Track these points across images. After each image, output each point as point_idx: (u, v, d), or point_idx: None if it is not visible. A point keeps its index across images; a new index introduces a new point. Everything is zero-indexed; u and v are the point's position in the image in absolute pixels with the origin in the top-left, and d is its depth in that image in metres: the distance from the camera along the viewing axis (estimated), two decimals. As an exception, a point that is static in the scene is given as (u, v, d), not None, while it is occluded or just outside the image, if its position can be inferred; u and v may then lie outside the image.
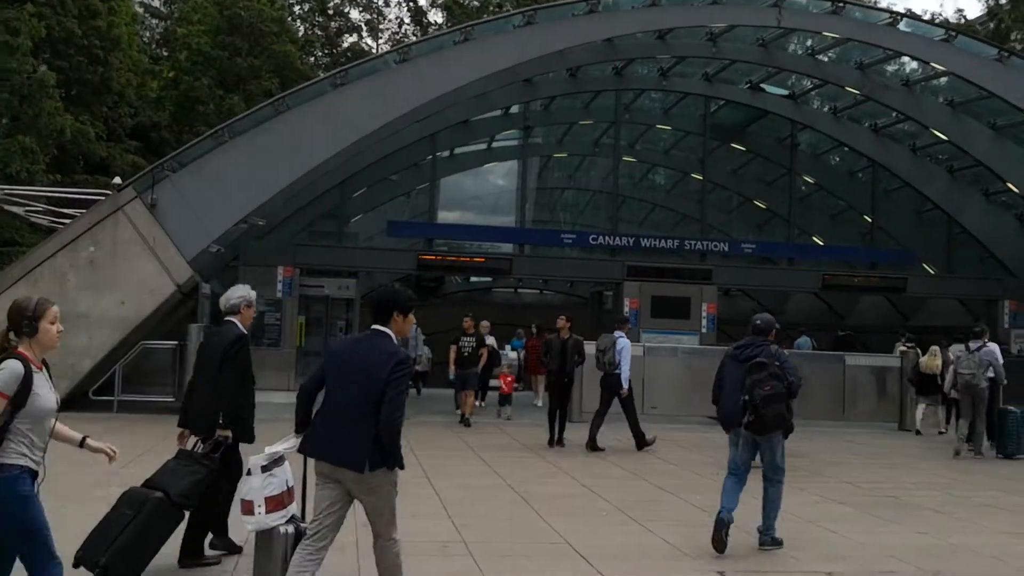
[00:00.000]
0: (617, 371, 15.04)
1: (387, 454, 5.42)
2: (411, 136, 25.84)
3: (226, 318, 7.49)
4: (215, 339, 7.49)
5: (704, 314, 26.40)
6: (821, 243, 32.32)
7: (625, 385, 15.11)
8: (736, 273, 28.61)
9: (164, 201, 19.05)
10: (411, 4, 51.75)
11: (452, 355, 19.14)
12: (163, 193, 19.10)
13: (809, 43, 25.97)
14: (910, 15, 23.28)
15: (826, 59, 26.32)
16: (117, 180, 19.69)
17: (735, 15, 23.26)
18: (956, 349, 17.42)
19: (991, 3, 43.41)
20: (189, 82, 40.49)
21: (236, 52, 41.31)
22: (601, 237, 28.06)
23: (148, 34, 51.86)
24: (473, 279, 36.92)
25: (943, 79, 25.71)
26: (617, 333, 15.45)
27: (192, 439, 7.40)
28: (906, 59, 25.79)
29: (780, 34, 24.45)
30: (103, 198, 19.32)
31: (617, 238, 27.73)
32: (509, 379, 20.61)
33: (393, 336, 5.70)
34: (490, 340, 20.85)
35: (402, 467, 5.58)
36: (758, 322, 8.78)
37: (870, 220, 31.00)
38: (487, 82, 22.40)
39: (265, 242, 25.07)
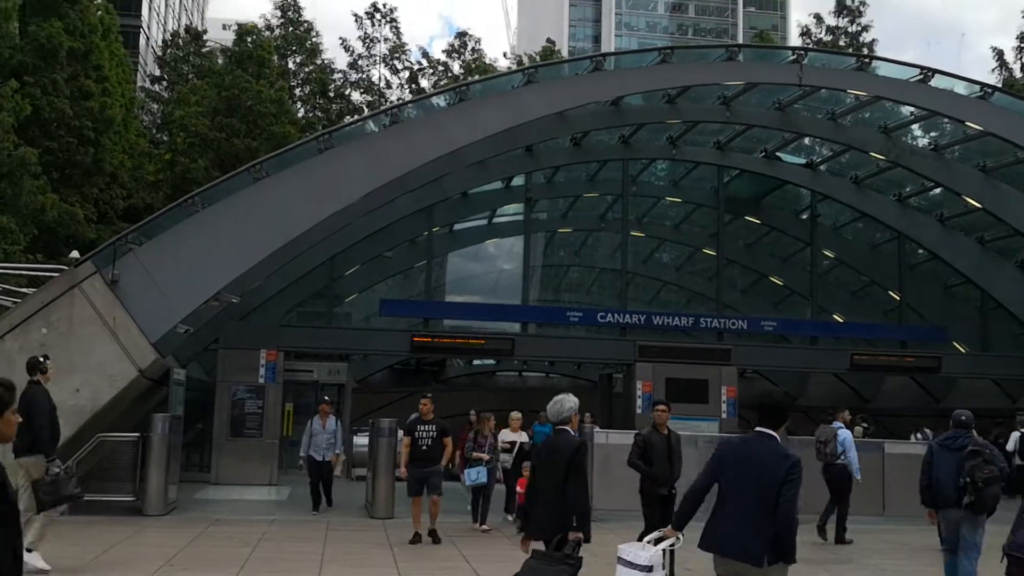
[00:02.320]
0: (840, 461, 15.27)
1: (784, 549, 6.06)
2: (406, 209, 24.24)
3: (558, 427, 7.95)
4: (557, 447, 7.84)
5: (724, 398, 24.33)
6: (841, 320, 30.37)
7: (858, 475, 15.38)
8: (756, 353, 26.61)
9: (127, 277, 17.21)
10: (413, 85, 50.88)
11: (404, 450, 14.23)
12: (126, 268, 17.28)
13: (830, 107, 24.36)
14: (942, 71, 21.59)
15: (848, 122, 24.68)
16: (75, 254, 17.93)
17: (752, 72, 21.71)
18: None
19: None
20: (185, 164, 39.78)
21: (234, 133, 40.66)
22: (610, 315, 26.11)
23: (148, 118, 51.23)
24: (476, 362, 35.00)
25: (974, 142, 23.97)
26: (836, 424, 15.78)
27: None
28: (934, 122, 24.14)
29: (799, 95, 22.86)
30: (58, 274, 17.52)
31: (627, 316, 25.80)
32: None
33: (779, 438, 6.32)
34: (522, 436, 16.79)
35: (795, 561, 6.15)
36: (963, 417, 9.96)
37: (895, 296, 29.09)
38: (485, 148, 20.77)
39: (247, 323, 23.25)
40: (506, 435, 16.60)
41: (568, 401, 8.11)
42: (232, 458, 22.13)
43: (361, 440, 22.53)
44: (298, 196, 18.47)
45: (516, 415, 16.87)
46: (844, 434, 15.43)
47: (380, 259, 27.35)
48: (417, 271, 27.59)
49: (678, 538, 6.67)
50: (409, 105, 22.22)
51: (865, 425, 22.82)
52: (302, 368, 25.08)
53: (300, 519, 16.42)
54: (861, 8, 50.61)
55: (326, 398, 17.88)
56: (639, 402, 24.01)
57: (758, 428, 6.43)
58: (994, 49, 44.69)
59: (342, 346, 25.23)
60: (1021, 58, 44.33)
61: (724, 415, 24.16)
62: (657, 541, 6.78)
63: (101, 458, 17.82)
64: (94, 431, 17.31)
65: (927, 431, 25.77)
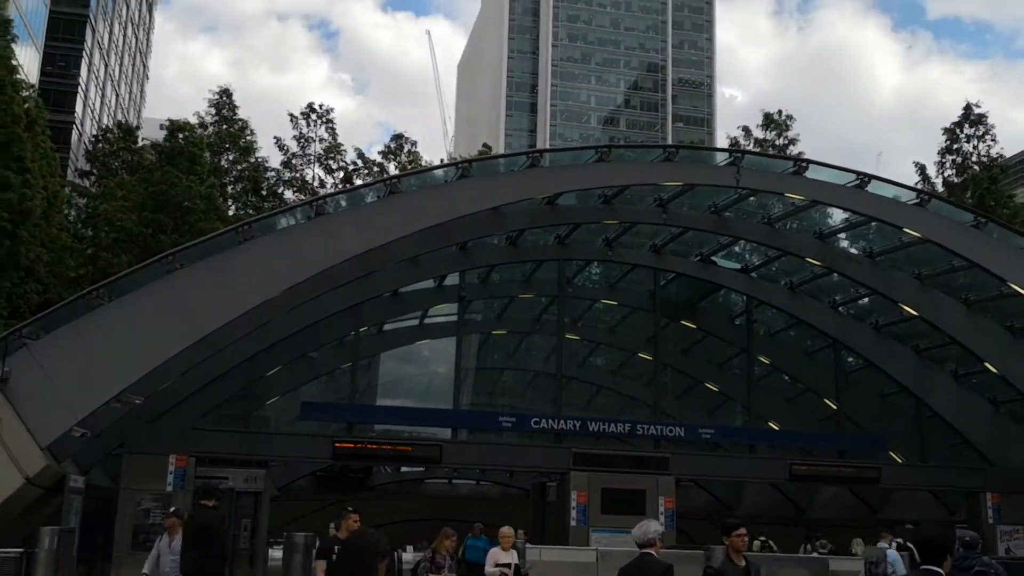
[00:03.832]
0: None
1: None
2: (333, 307, 23.23)
3: (643, 550, 7.74)
4: (643, 573, 7.61)
5: (662, 508, 23.28)
6: (776, 428, 29.80)
7: None
8: (695, 462, 25.73)
9: (19, 374, 15.83)
10: (347, 185, 50.34)
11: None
12: (19, 365, 15.90)
13: (766, 212, 24.22)
14: (879, 177, 21.55)
15: (784, 227, 24.52)
16: (-38, 348, 16.49)
17: (690, 173, 21.42)
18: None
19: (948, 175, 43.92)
20: (108, 259, 38.29)
21: (160, 229, 39.53)
22: (544, 421, 25.08)
23: (73, 212, 49.75)
24: (404, 468, 33.50)
25: (910, 249, 23.91)
26: (882, 544, 16.38)
27: None
28: (870, 228, 24.09)
29: (736, 199, 22.65)
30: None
31: (561, 422, 24.85)
32: None
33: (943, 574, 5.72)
34: (509, 556, 13.73)
35: None
36: (967, 538, 10.15)
37: (832, 404, 28.66)
38: (416, 243, 19.98)
39: (156, 425, 21.75)
40: (499, 556, 13.77)
41: (653, 524, 7.97)
42: (134, 574, 20.29)
43: (277, 554, 20.96)
44: (214, 290, 17.40)
45: (507, 531, 13.94)
46: (892, 555, 16.13)
47: (304, 359, 26.09)
48: (343, 373, 26.37)
49: None
50: (337, 197, 21.31)
51: (763, 539, 23.59)
52: (216, 475, 23.40)
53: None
54: (788, 122, 51.82)
55: (173, 509, 15.41)
56: (574, 513, 22.86)
57: (924, 567, 5.80)
58: (916, 164, 46.00)
59: (260, 452, 23.66)
60: (943, 173, 45.56)
61: (662, 527, 23.03)
62: None
63: (-21, 576, 16.10)
64: (-28, 545, 15.63)
65: (823, 541, 25.27)
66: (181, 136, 43.35)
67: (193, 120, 49.08)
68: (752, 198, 23.86)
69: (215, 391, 23.67)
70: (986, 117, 44.94)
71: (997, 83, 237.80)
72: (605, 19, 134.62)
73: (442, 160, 38.33)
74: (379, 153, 52.73)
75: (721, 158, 21.66)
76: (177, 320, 16.86)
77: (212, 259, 17.60)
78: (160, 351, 16.75)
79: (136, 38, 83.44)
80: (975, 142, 44.84)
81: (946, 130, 45.49)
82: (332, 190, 48.55)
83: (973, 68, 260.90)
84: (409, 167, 48.22)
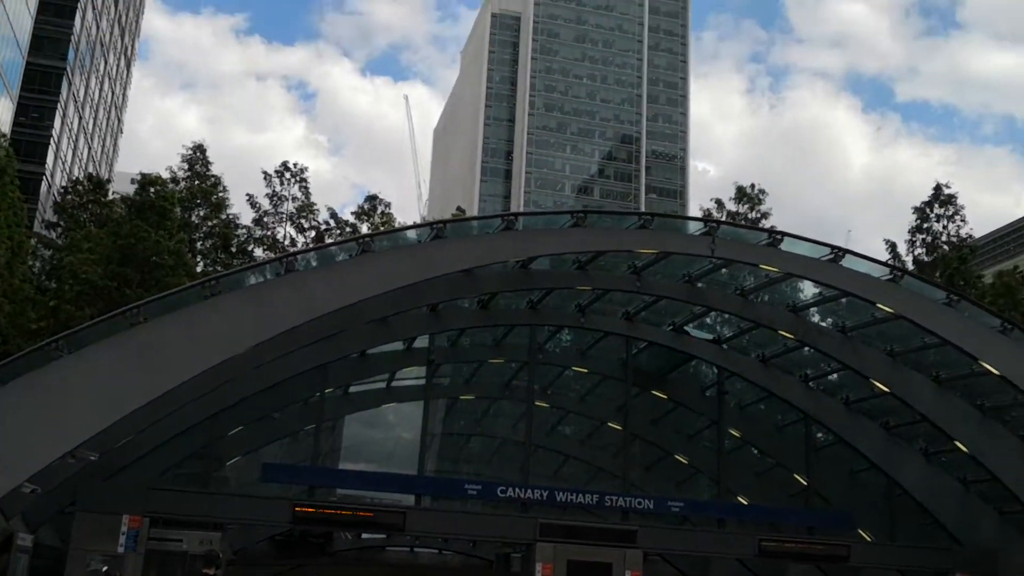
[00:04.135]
0: None
1: None
2: (299, 366, 22.81)
3: None
4: None
5: (630, 583, 22.76)
6: (746, 502, 29.39)
7: None
8: (663, 535, 25.38)
9: (-31, 426, 15.20)
10: (319, 243, 50.03)
11: None
12: (-31, 416, 15.29)
13: (740, 283, 24.18)
14: (854, 252, 21.60)
15: (757, 299, 24.47)
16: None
17: (666, 242, 21.36)
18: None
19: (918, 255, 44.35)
20: (71, 311, 37.45)
21: (126, 283, 38.83)
22: (511, 489, 24.71)
23: (38, 264, 48.96)
24: (365, 535, 32.67)
25: (883, 325, 23.88)
26: None
27: None
28: (842, 303, 24.08)
29: (710, 269, 22.62)
30: None
31: (528, 491, 24.46)
32: None
33: None
34: None
35: None
36: None
37: (802, 480, 28.38)
38: (387, 303, 19.71)
39: (112, 483, 21.10)
40: None
41: None
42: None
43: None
44: (178, 345, 16.94)
45: None
46: None
47: (267, 419, 25.52)
48: (306, 434, 25.86)
49: None
50: (307, 254, 21.02)
51: None
52: (171, 537, 22.67)
53: None
54: (760, 196, 52.29)
55: (104, 568, 14.27)
56: (539, 586, 22.29)
57: None
58: (887, 241, 46.37)
59: (218, 514, 22.96)
60: (913, 251, 46.02)
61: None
62: None
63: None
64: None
65: None
66: (152, 190, 42.93)
67: (165, 175, 48.75)
68: (725, 269, 23.84)
69: (174, 449, 23.07)
70: (956, 198, 45.59)
71: (963, 167, 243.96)
72: (581, 90, 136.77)
73: (415, 223, 38.19)
74: (352, 214, 52.35)
75: (696, 228, 21.65)
76: (138, 375, 16.37)
77: (177, 313, 17.19)
78: (118, 406, 16.21)
79: (112, 92, 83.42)
80: (945, 222, 45.38)
81: (916, 209, 46.07)
82: (303, 248, 48.21)
83: (940, 151, 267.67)
84: (382, 228, 48.03)
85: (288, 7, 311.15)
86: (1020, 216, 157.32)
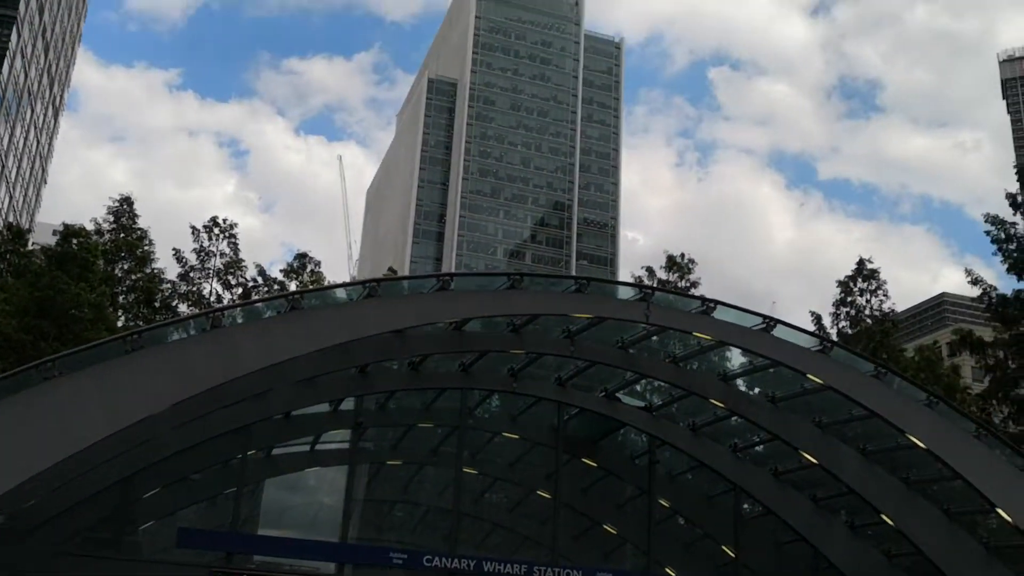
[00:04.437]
0: None
1: None
2: (220, 427, 22.03)
3: None
4: None
5: (556, 659, 22.17)
6: (673, 574, 29.09)
7: None
8: (591, 607, 24.75)
9: None
10: (246, 299, 49.05)
11: None
12: None
13: (672, 350, 24.22)
14: (785, 323, 21.82)
15: (688, 367, 24.51)
16: None
17: (601, 306, 21.32)
18: None
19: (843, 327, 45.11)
20: (-20, 365, 35.91)
21: (43, 336, 37.37)
22: (437, 559, 24.05)
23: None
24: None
25: (812, 395, 24.08)
26: None
27: None
28: (772, 372, 24.24)
29: (643, 335, 22.58)
30: None
31: (455, 560, 23.92)
32: None
33: None
34: None
35: None
36: None
37: (729, 550, 28.20)
38: (314, 363, 19.18)
39: (17, 548, 19.89)
40: None
41: None
42: None
43: None
44: (94, 401, 16.15)
45: None
46: None
47: (185, 481, 24.53)
48: (225, 498, 24.89)
49: None
50: (234, 311, 20.41)
51: None
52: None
53: None
54: (690, 265, 53.02)
55: None
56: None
57: None
58: (812, 313, 47.42)
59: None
60: (838, 324, 46.95)
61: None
62: None
63: None
64: None
65: None
66: (75, 241, 41.76)
67: (90, 226, 47.55)
68: (656, 336, 23.87)
69: (85, 512, 22.02)
70: (878, 272, 46.84)
71: (882, 244, 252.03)
72: (516, 157, 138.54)
73: (346, 281, 37.76)
74: (281, 271, 51.66)
75: (631, 293, 21.73)
76: (50, 432, 15.52)
77: (95, 368, 16.42)
78: (27, 466, 15.30)
79: (38, 142, 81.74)
80: (868, 296, 46.51)
81: (840, 283, 47.15)
82: (230, 304, 47.18)
83: (861, 228, 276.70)
84: (312, 286, 47.34)
85: (223, 64, 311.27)
86: (938, 292, 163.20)
